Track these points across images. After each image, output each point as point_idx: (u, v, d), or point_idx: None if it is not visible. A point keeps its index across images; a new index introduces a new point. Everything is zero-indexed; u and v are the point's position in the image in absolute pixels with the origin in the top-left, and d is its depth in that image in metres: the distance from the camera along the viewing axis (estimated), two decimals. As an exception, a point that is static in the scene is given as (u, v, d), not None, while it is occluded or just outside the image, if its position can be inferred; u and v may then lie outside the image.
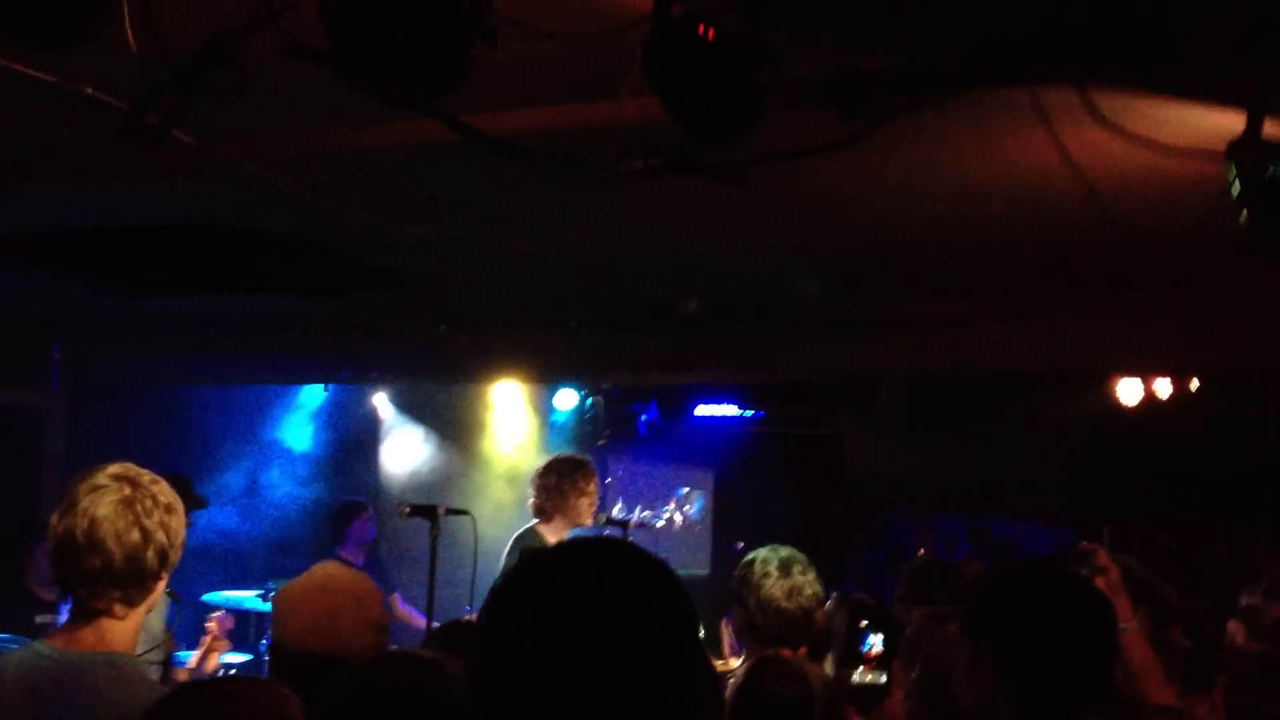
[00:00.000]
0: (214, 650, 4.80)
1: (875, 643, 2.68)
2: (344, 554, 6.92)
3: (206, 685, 2.15)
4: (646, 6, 2.27)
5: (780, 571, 3.72)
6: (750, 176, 2.70)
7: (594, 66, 2.60)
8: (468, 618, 5.99)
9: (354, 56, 2.04)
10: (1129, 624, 3.48)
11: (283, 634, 2.89)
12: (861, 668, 2.64)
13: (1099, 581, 3.53)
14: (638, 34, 2.33)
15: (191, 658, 4.82)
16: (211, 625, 4.89)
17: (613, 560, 1.42)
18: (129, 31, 2.08)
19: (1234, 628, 5.42)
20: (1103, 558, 3.58)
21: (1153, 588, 4.00)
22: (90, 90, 2.76)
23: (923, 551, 9.63)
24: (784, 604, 3.65)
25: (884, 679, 2.66)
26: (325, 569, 3.05)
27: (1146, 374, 5.98)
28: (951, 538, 11.03)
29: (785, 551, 3.81)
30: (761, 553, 3.80)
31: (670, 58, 2.32)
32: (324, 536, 7.28)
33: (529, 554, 1.52)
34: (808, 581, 3.72)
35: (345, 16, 1.98)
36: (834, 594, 5.50)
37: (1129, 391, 6.76)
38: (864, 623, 2.70)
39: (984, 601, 2.45)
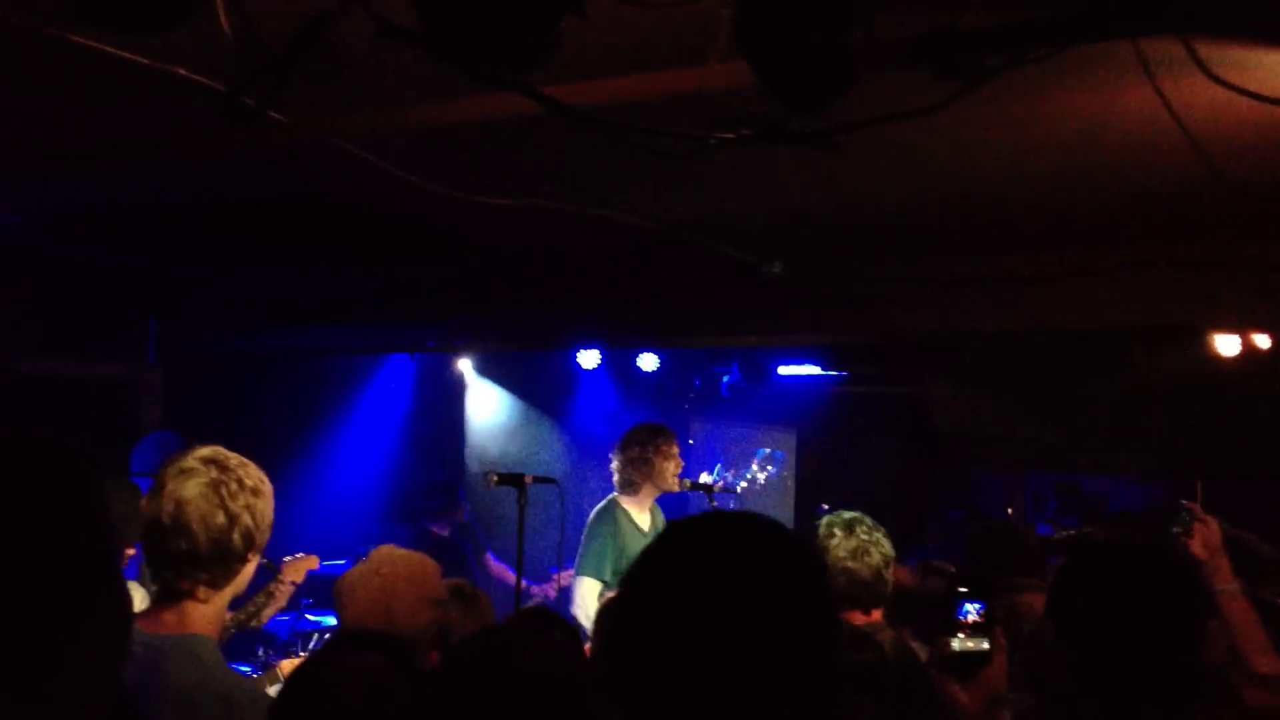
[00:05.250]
0: (278, 595, 4.81)
1: (972, 610, 2.65)
2: (433, 525, 7.02)
3: (310, 669, 2.17)
4: (738, -30, 2.22)
5: (845, 532, 3.67)
6: (842, 140, 2.64)
7: (683, 34, 2.56)
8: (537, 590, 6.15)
9: (444, 35, 2.03)
10: (1229, 585, 3.37)
11: (343, 618, 3.14)
12: (961, 635, 2.61)
13: (1195, 542, 3.42)
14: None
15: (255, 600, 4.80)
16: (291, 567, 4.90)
17: (745, 539, 1.55)
18: (222, 16, 2.09)
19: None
20: (1199, 515, 3.48)
21: (1246, 545, 3.87)
22: (184, 72, 2.78)
23: (1011, 511, 9.52)
24: (850, 564, 3.60)
25: (985, 645, 2.62)
26: (381, 553, 3.23)
27: (1244, 330, 5.78)
28: (1040, 495, 10.87)
29: (850, 514, 3.76)
30: (827, 517, 3.77)
31: (760, 23, 2.27)
32: (415, 506, 7.37)
33: (669, 526, 1.63)
34: (874, 541, 3.66)
35: (436, -5, 1.96)
36: (917, 562, 5.44)
37: (1227, 343, 6.55)
38: (962, 590, 2.67)
39: (1065, 585, 2.45)
